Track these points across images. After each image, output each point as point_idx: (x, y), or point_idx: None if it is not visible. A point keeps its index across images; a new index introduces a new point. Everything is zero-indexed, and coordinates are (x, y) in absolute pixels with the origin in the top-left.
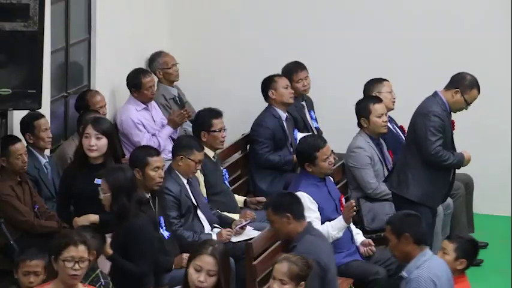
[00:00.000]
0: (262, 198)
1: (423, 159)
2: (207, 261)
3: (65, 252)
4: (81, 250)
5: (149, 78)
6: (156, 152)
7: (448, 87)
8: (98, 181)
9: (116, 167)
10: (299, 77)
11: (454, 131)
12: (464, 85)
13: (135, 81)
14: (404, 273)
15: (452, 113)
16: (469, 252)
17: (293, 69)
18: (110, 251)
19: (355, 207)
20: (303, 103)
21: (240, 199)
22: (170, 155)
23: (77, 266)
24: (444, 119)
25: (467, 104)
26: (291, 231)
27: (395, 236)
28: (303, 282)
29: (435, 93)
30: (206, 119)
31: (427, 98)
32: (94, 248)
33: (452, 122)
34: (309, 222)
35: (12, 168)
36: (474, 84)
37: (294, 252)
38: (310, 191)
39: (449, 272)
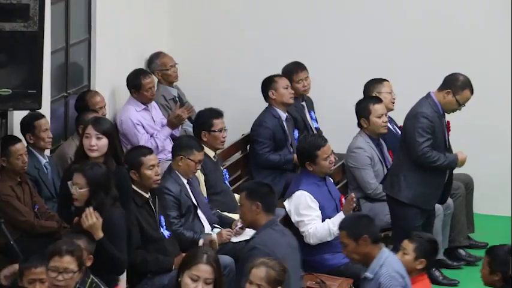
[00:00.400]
0: None
1: (414, 160)
2: (204, 269)
3: (51, 261)
4: (66, 261)
5: (149, 80)
6: (149, 150)
7: (440, 88)
8: None
9: (92, 163)
10: (299, 77)
11: (450, 132)
12: (456, 86)
13: (135, 82)
14: (368, 274)
15: (447, 114)
16: (429, 252)
17: (293, 70)
18: (101, 234)
19: (354, 199)
20: (303, 103)
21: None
22: (170, 155)
23: (60, 277)
24: (434, 120)
25: (460, 104)
26: (256, 221)
27: (352, 239)
28: (279, 287)
29: (428, 95)
30: (207, 119)
31: (420, 99)
32: (91, 252)
33: (448, 123)
34: (274, 218)
35: (12, 169)
36: (466, 85)
37: (251, 243)
38: (310, 190)
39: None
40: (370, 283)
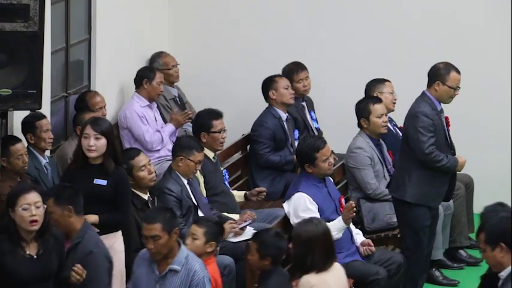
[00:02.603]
0: (262, 189)
1: (417, 160)
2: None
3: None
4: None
5: (160, 75)
6: (137, 151)
7: (429, 84)
8: (97, 181)
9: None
10: (299, 77)
11: (449, 127)
12: (441, 74)
13: (149, 74)
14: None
15: (447, 104)
16: (217, 235)
17: (293, 69)
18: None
19: (354, 209)
20: (303, 103)
21: (239, 194)
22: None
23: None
24: (433, 117)
25: (453, 88)
26: (70, 225)
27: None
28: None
29: (423, 93)
30: (206, 120)
31: (416, 99)
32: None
33: (447, 118)
34: (86, 219)
35: (13, 169)
36: (450, 68)
37: (80, 248)
38: (310, 191)
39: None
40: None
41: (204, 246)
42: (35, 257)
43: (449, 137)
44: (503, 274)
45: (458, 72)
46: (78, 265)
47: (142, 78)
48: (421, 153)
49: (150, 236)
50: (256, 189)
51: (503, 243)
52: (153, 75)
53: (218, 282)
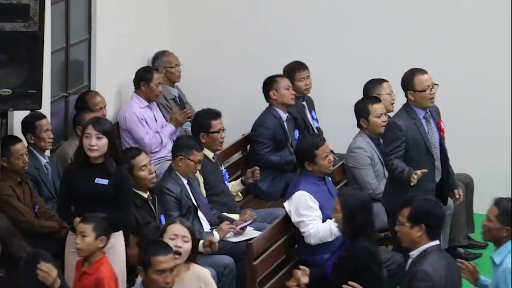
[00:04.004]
0: (254, 168)
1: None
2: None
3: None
4: None
5: (158, 75)
6: (138, 151)
7: (405, 95)
8: (98, 181)
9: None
10: (301, 75)
11: (443, 133)
12: (407, 83)
13: (147, 76)
14: None
15: (440, 116)
16: (106, 229)
17: (295, 68)
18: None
19: None
20: (304, 103)
21: (237, 182)
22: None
23: None
24: (407, 127)
25: (425, 90)
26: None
27: None
28: None
29: (406, 103)
30: (205, 120)
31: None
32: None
33: (439, 123)
34: None
35: (13, 169)
36: (414, 72)
37: None
38: (310, 189)
39: None
40: None
41: (94, 242)
42: None
43: (441, 142)
44: (415, 253)
45: (423, 72)
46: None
47: (140, 80)
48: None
49: None
50: (249, 170)
51: (424, 224)
52: (151, 76)
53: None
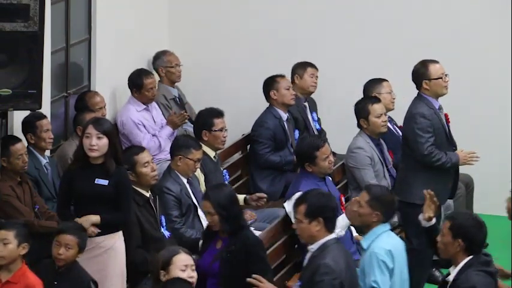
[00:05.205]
0: (262, 194)
1: (418, 161)
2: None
3: None
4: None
5: (151, 80)
6: (141, 148)
7: (418, 87)
8: (98, 181)
9: None
10: (312, 71)
11: (449, 124)
12: (421, 73)
13: (136, 82)
14: None
15: (443, 109)
16: (27, 236)
17: (306, 64)
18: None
19: None
20: (306, 104)
21: (240, 197)
22: (169, 155)
23: None
24: (431, 117)
25: (441, 77)
26: None
27: None
28: None
29: (418, 95)
30: (207, 118)
31: (413, 100)
32: None
33: (446, 115)
34: None
35: (13, 169)
36: (426, 63)
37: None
38: None
39: None
40: None
41: (17, 249)
42: None
43: (450, 134)
44: (314, 247)
45: (435, 62)
46: None
47: (131, 87)
48: (420, 154)
49: None
50: (257, 194)
51: (321, 217)
52: (141, 82)
53: None
